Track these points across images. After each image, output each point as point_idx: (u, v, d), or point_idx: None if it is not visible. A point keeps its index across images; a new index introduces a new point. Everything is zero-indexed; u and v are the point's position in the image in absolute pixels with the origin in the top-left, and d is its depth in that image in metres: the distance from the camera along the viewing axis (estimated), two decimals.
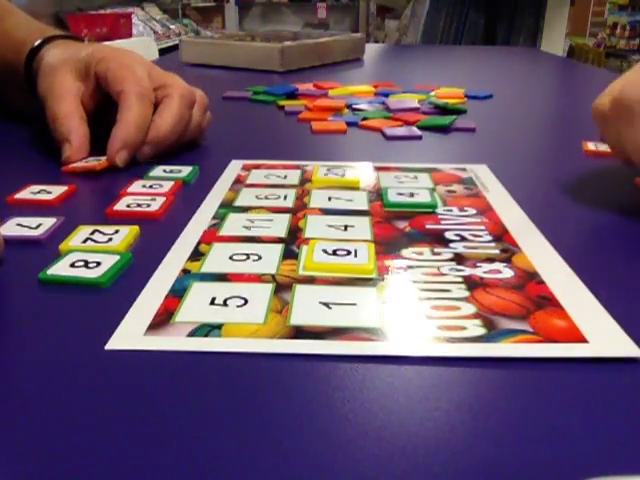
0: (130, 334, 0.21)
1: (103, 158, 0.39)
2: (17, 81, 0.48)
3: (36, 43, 0.46)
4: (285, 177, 0.38)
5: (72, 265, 0.26)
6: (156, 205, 0.32)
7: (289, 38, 0.95)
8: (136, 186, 0.36)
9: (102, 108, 0.43)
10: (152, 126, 0.40)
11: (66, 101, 0.41)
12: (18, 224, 0.30)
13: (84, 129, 0.40)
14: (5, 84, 0.52)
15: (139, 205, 0.32)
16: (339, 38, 0.96)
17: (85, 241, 0.28)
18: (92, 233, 0.29)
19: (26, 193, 0.34)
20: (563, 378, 0.19)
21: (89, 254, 0.26)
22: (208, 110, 0.47)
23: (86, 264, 0.26)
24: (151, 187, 0.35)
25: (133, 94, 0.40)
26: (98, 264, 0.26)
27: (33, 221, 0.30)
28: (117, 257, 0.26)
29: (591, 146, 0.45)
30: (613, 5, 5.12)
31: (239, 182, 0.37)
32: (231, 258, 0.27)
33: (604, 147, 0.45)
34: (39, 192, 0.34)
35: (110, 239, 0.28)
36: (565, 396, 0.18)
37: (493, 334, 0.21)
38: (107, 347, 0.20)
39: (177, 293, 0.24)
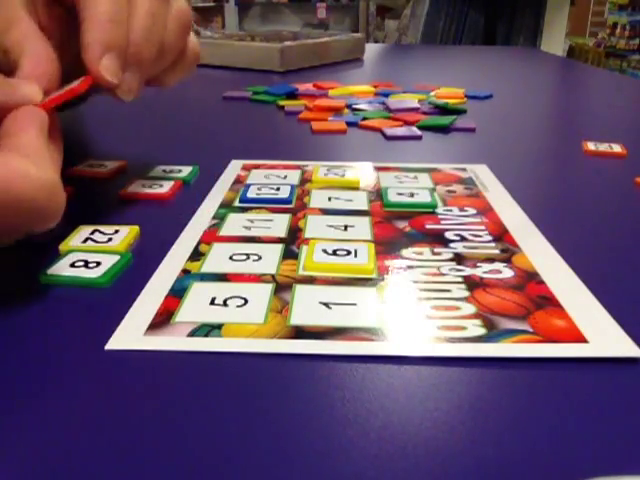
0: (130, 334, 0.21)
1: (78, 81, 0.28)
2: None
3: None
4: (285, 177, 0.38)
5: (72, 265, 0.26)
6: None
7: (289, 38, 0.95)
8: (136, 186, 0.36)
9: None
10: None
11: (18, 29, 0.28)
12: None
13: (41, 44, 0.28)
14: None
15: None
16: (339, 38, 0.96)
17: (85, 241, 0.28)
18: (92, 233, 0.29)
19: None
20: (563, 378, 0.19)
21: (89, 254, 0.26)
22: (190, 28, 0.33)
23: (86, 264, 0.26)
24: (151, 187, 0.35)
25: None
26: (98, 264, 0.26)
27: None
28: (117, 257, 0.26)
29: (591, 146, 0.45)
30: (613, 5, 5.13)
31: (239, 182, 0.37)
32: (231, 258, 0.27)
33: (604, 147, 0.45)
34: None
35: (110, 239, 0.28)
36: (565, 396, 0.18)
37: (493, 334, 0.21)
38: (107, 347, 0.20)
39: (177, 293, 0.24)
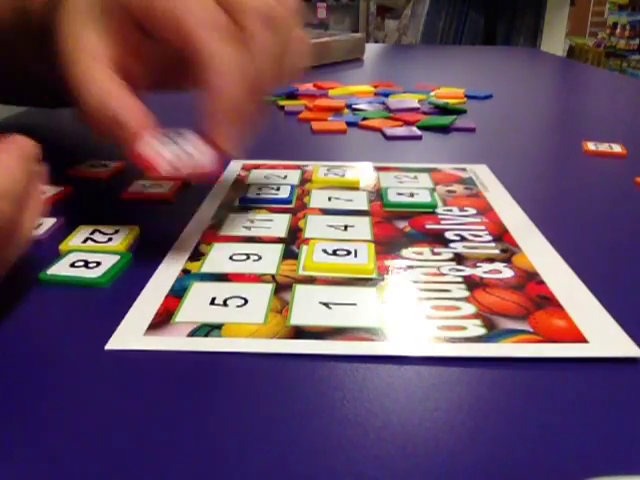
0: (130, 334, 0.21)
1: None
2: (27, 32, 0.34)
3: None
4: (285, 177, 0.38)
5: (72, 265, 0.26)
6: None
7: None
8: (136, 186, 0.36)
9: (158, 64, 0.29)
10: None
11: (94, 78, 0.26)
12: None
13: (127, 99, 0.26)
14: (12, 39, 0.35)
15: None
16: (339, 38, 0.96)
17: (85, 241, 0.28)
18: (92, 233, 0.29)
19: None
20: (563, 378, 0.19)
21: (89, 254, 0.26)
22: (298, 13, 0.30)
23: (86, 264, 0.26)
24: (151, 187, 0.35)
25: (210, 36, 0.25)
26: (98, 264, 0.26)
27: None
28: (117, 257, 0.26)
29: (591, 146, 0.45)
30: (613, 5, 5.13)
31: (239, 182, 0.37)
32: (231, 258, 0.27)
33: (604, 147, 0.45)
34: None
35: (110, 239, 0.28)
36: (565, 396, 0.18)
37: (493, 334, 0.21)
38: (107, 347, 0.20)
39: (177, 293, 0.24)
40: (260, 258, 0.27)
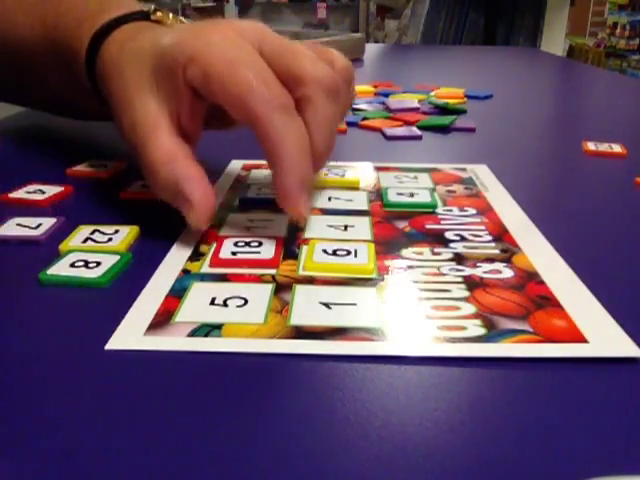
0: (130, 334, 0.21)
1: None
2: (71, 72, 0.36)
3: (94, 31, 0.33)
4: None
5: (72, 265, 0.26)
6: None
7: (289, 38, 0.95)
8: (136, 186, 0.36)
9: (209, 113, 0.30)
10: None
11: (158, 146, 0.28)
12: (18, 224, 0.30)
13: (194, 172, 0.28)
14: (52, 71, 0.38)
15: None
16: (339, 38, 0.96)
17: (85, 241, 0.28)
18: (92, 233, 0.29)
19: (21, 192, 0.34)
20: (563, 378, 0.19)
21: (89, 254, 0.26)
22: (353, 82, 0.33)
23: (86, 264, 0.26)
24: None
25: (273, 115, 0.26)
26: (98, 264, 0.26)
27: (33, 221, 0.30)
28: (117, 257, 0.26)
29: (591, 146, 0.45)
30: (613, 5, 5.13)
31: (239, 182, 0.37)
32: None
33: (604, 147, 0.45)
34: (34, 192, 0.34)
35: (110, 239, 0.28)
36: (565, 396, 0.18)
37: (493, 334, 0.21)
38: (107, 347, 0.20)
39: (177, 293, 0.24)
40: None
